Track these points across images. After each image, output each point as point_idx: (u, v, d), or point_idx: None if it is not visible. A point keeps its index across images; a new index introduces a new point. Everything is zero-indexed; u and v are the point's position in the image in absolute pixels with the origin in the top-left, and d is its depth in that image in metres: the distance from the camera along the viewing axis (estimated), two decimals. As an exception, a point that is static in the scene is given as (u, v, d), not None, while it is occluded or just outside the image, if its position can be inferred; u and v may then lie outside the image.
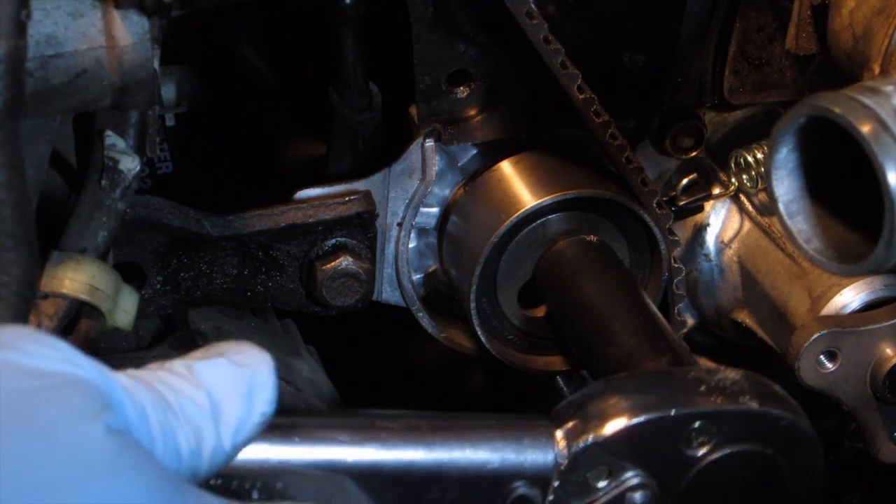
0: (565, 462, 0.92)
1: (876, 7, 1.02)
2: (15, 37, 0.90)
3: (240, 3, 1.38)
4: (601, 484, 0.93)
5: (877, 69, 1.00)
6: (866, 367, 1.25)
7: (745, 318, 1.42)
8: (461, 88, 1.27)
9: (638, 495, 0.95)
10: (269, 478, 0.81)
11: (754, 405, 0.95)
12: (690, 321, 1.44)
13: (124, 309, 1.11)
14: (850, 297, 1.28)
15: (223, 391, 0.74)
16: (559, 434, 0.92)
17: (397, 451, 0.86)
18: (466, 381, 1.72)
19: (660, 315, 1.22)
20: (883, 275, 1.26)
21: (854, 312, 1.28)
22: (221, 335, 1.36)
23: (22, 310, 0.89)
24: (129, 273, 1.21)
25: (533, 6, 1.18)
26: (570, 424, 0.93)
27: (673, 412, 0.94)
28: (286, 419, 0.82)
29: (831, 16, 1.09)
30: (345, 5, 1.24)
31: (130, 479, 0.64)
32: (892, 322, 1.24)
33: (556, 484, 0.91)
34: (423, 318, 1.39)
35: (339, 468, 0.83)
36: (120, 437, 0.65)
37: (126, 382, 0.70)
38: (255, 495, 0.80)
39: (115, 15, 1.02)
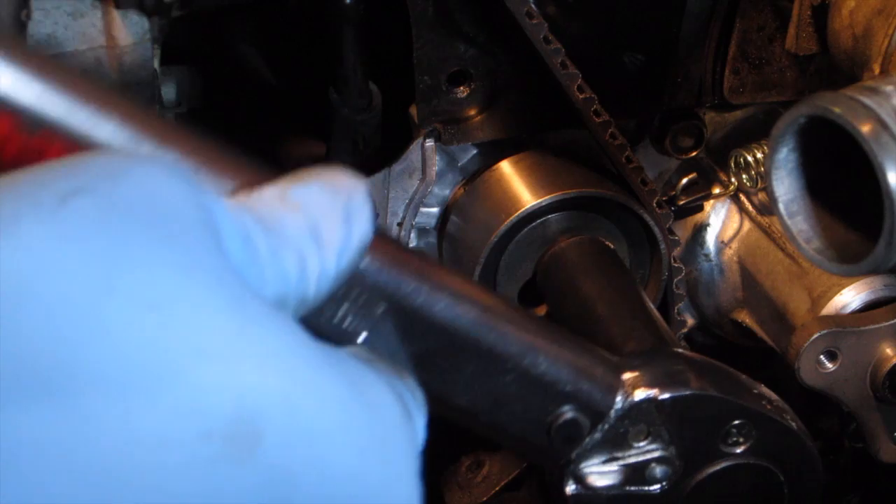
0: (624, 407, 0.92)
1: (876, 7, 1.02)
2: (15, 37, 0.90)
3: (240, 3, 1.38)
4: (637, 443, 0.93)
5: (877, 69, 1.00)
6: (866, 367, 1.25)
7: (745, 318, 1.42)
8: (461, 88, 1.27)
9: (660, 469, 0.95)
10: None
11: (794, 426, 0.97)
12: (690, 321, 1.44)
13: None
14: (850, 297, 1.28)
15: (321, 214, 0.68)
16: (626, 377, 0.92)
17: (491, 324, 0.84)
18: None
19: (660, 316, 1.22)
20: (883, 275, 1.26)
21: (854, 312, 1.28)
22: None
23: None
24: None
25: (533, 6, 1.18)
26: (637, 374, 0.93)
27: (731, 398, 0.95)
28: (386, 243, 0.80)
29: (831, 16, 1.09)
30: (345, 5, 1.24)
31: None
32: (892, 322, 1.24)
33: (606, 424, 0.91)
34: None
35: (426, 315, 0.82)
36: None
37: (228, 204, 0.65)
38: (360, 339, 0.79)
39: (115, 15, 1.02)
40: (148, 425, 0.54)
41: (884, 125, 0.76)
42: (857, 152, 0.77)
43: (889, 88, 0.78)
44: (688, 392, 0.94)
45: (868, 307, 1.28)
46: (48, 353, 0.53)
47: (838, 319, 1.26)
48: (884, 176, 0.75)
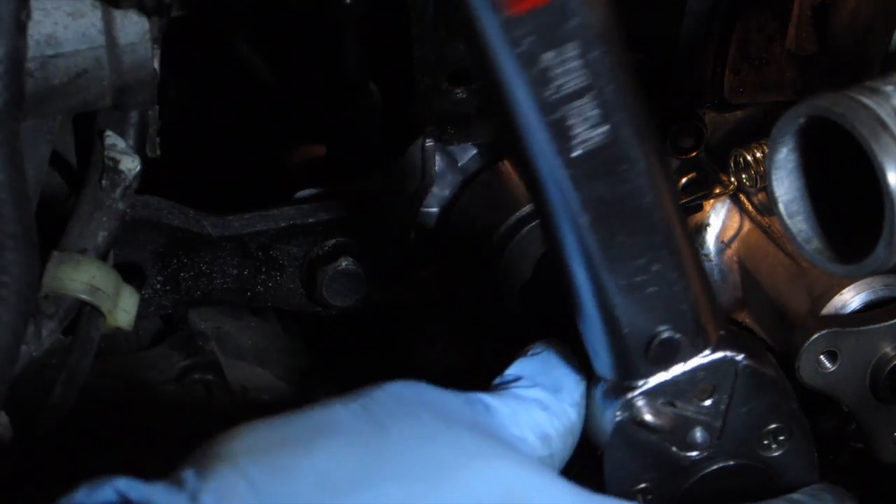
0: (711, 357, 0.94)
1: (876, 7, 1.02)
2: (15, 37, 0.90)
3: (240, 3, 1.38)
4: (698, 400, 0.96)
5: (877, 69, 1.00)
6: (866, 367, 1.25)
7: (745, 318, 1.42)
8: (461, 88, 1.27)
9: (701, 433, 0.97)
10: None
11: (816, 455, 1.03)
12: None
13: (125, 309, 1.11)
14: (850, 297, 1.28)
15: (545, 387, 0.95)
16: (723, 333, 0.95)
17: (668, 212, 0.89)
18: (467, 381, 1.72)
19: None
20: (883, 275, 1.26)
21: (854, 312, 1.28)
22: (221, 335, 1.36)
23: (23, 310, 0.89)
24: (129, 273, 1.21)
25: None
26: (733, 334, 0.96)
27: (793, 400, 0.99)
28: None
29: (831, 16, 1.09)
30: (345, 5, 1.24)
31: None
32: (892, 322, 1.24)
33: (688, 366, 0.94)
34: (424, 318, 1.39)
35: None
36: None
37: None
38: None
39: (115, 15, 1.02)
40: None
41: (884, 125, 0.76)
42: (857, 152, 0.77)
43: (889, 88, 0.78)
44: (771, 373, 0.97)
45: (868, 307, 1.28)
46: None
47: (838, 319, 1.26)
48: (884, 176, 0.75)
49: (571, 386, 0.95)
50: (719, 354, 0.95)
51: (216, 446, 0.78)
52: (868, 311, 1.27)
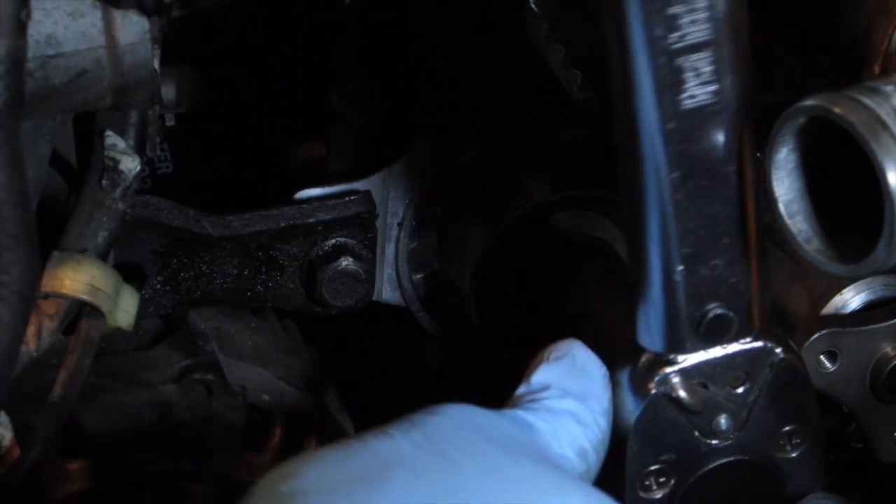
0: (753, 344, 0.95)
1: (876, 7, 1.02)
2: (15, 37, 0.90)
3: (240, 3, 1.38)
4: (732, 387, 0.96)
5: (877, 69, 1.00)
6: (866, 367, 1.25)
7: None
8: (461, 89, 1.28)
9: (726, 420, 0.97)
10: None
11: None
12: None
13: (125, 309, 1.11)
14: (850, 297, 1.28)
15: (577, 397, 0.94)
16: (765, 326, 0.96)
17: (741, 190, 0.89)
18: (467, 381, 1.72)
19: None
20: (883, 275, 1.26)
21: (854, 312, 1.28)
22: (221, 335, 1.36)
23: (23, 310, 0.89)
24: (129, 273, 1.21)
25: (533, 6, 1.18)
26: (771, 329, 0.97)
27: (817, 406, 1.00)
28: None
29: (832, 16, 1.08)
30: (345, 5, 1.24)
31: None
32: (892, 322, 1.24)
33: (728, 350, 0.94)
34: (423, 319, 1.39)
35: None
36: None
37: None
38: None
39: (115, 15, 1.02)
40: None
41: (884, 125, 0.76)
42: (857, 152, 0.77)
43: (889, 88, 0.78)
44: (803, 371, 0.98)
45: (868, 307, 1.28)
46: None
47: (838, 319, 1.26)
48: (884, 176, 0.75)
49: (600, 392, 0.94)
50: (759, 343, 0.95)
51: (282, 482, 0.76)
52: (868, 311, 1.27)
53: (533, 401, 0.92)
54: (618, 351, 0.97)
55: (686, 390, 0.94)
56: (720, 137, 0.85)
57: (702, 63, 0.83)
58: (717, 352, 0.94)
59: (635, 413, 0.94)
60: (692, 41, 0.81)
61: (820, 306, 1.29)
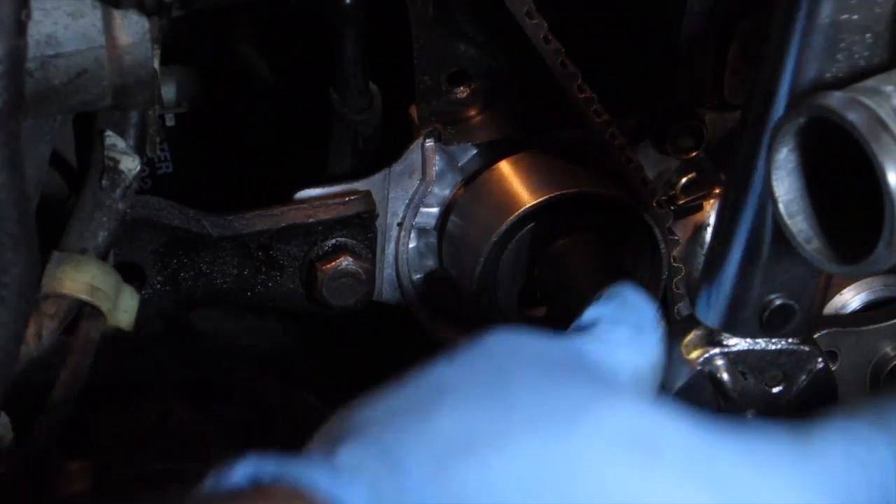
0: (800, 344, 0.96)
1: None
2: (15, 37, 0.90)
3: (240, 3, 1.37)
4: (769, 385, 0.97)
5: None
6: (866, 367, 1.25)
7: (745, 317, 1.42)
8: (461, 88, 1.27)
9: (752, 416, 0.97)
10: None
11: None
12: (690, 321, 1.44)
13: (125, 309, 1.11)
14: (850, 297, 1.28)
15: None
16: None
17: None
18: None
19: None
20: (883, 275, 1.26)
21: (854, 312, 1.28)
22: (221, 335, 1.36)
23: (23, 310, 0.89)
24: (129, 273, 1.21)
25: (533, 6, 1.18)
26: (815, 339, 0.98)
27: None
28: None
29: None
30: (345, 5, 1.24)
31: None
32: (892, 322, 1.24)
33: (782, 345, 0.95)
34: (424, 318, 1.39)
35: None
36: None
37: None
38: None
39: (116, 15, 1.02)
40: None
41: (884, 125, 0.76)
42: (857, 152, 0.77)
43: (889, 88, 0.78)
44: (835, 384, 0.99)
45: (868, 307, 1.28)
46: None
47: (838, 319, 1.26)
48: (884, 176, 0.75)
49: (652, 325, 0.92)
50: (806, 346, 0.96)
51: (339, 423, 0.77)
52: (868, 311, 1.27)
53: (584, 331, 0.90)
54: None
55: (729, 374, 0.94)
56: None
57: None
58: (766, 344, 0.95)
59: (677, 384, 0.94)
60: None
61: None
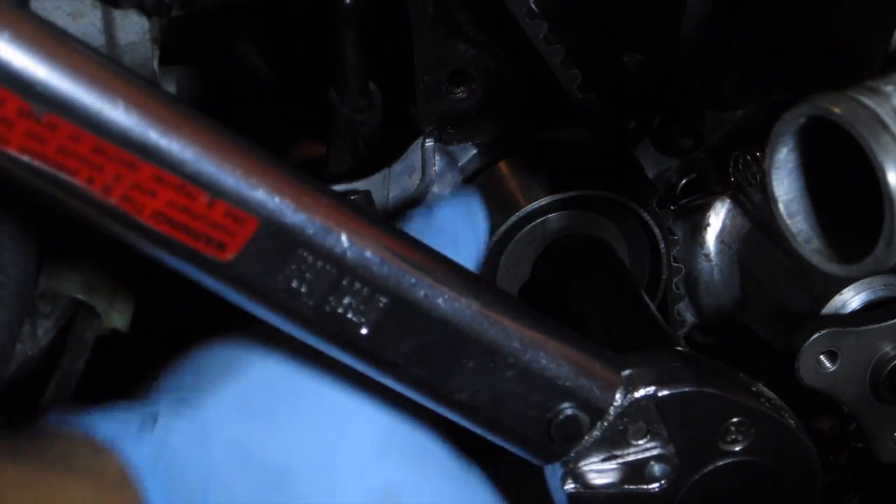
0: (623, 404, 0.92)
1: (876, 7, 1.02)
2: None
3: (240, 3, 1.38)
4: (636, 441, 0.94)
5: (877, 69, 1.00)
6: (866, 367, 1.25)
7: (745, 318, 1.42)
8: (461, 88, 1.27)
9: (659, 467, 0.95)
10: None
11: (791, 423, 0.98)
12: (690, 320, 1.44)
13: (120, 310, 1.11)
14: (850, 296, 1.28)
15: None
16: (626, 374, 0.93)
17: (492, 318, 0.86)
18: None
19: (659, 315, 1.22)
20: (883, 275, 1.26)
21: (854, 312, 1.28)
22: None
23: (19, 309, 0.89)
24: (127, 274, 1.21)
25: (533, 6, 1.18)
26: (637, 371, 0.94)
27: (729, 396, 0.95)
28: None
29: (832, 16, 1.08)
30: (345, 5, 1.24)
31: None
32: (892, 322, 1.24)
33: (606, 422, 0.92)
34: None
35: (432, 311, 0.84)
36: None
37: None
38: None
39: (115, 15, 1.02)
40: None
41: (884, 125, 0.76)
42: (857, 152, 0.77)
43: (889, 88, 0.78)
44: (687, 389, 0.95)
45: (868, 307, 1.28)
46: None
47: (838, 319, 1.26)
48: (884, 176, 0.75)
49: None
50: (630, 398, 0.92)
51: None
52: (868, 311, 1.27)
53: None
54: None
55: (597, 474, 0.93)
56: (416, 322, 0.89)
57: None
58: (596, 431, 0.92)
59: None
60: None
61: (820, 306, 1.29)
